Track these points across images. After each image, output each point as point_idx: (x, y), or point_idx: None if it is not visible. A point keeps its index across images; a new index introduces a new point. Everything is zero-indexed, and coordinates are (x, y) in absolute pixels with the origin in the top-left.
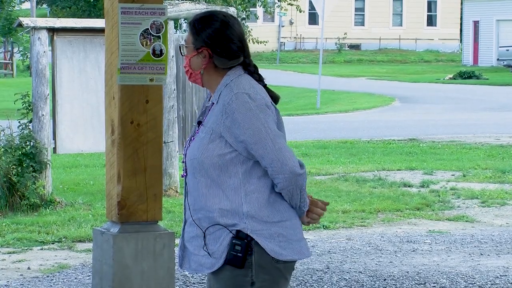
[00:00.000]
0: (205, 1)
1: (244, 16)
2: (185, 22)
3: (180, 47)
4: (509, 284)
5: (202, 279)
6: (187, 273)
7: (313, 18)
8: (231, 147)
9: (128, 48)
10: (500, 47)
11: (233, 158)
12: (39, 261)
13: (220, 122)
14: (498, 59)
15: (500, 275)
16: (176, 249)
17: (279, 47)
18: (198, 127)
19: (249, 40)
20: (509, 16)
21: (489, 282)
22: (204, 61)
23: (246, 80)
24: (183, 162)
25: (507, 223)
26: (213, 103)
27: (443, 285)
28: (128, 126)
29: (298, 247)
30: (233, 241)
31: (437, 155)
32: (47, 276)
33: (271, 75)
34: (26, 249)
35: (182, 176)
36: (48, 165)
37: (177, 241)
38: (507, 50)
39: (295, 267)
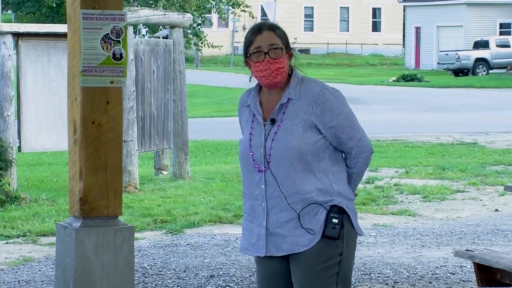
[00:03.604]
0: (163, 8)
1: (199, 22)
2: (144, 27)
3: (265, 52)
4: (448, 274)
5: (161, 271)
6: (145, 265)
7: None
8: (321, 134)
9: (90, 52)
10: (440, 51)
11: (322, 144)
12: (4, 254)
13: (311, 112)
14: (438, 63)
15: (440, 266)
16: (137, 243)
17: (233, 51)
18: (273, 124)
19: (204, 45)
20: (448, 23)
21: (430, 272)
22: (289, 63)
23: (309, 77)
24: (254, 159)
25: (446, 217)
26: (289, 99)
27: (387, 275)
28: (90, 126)
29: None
30: (331, 215)
31: (382, 153)
32: (12, 269)
33: (226, 78)
34: None
35: (258, 171)
36: (13, 163)
37: (141, 234)
38: (447, 54)
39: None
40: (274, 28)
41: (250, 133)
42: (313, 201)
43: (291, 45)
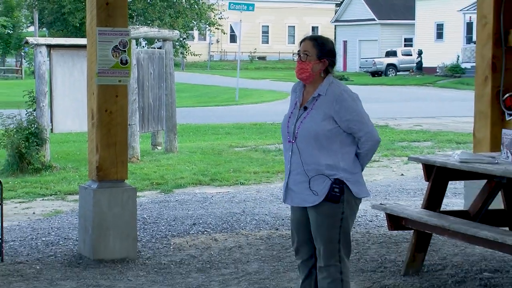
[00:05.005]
0: (157, 26)
1: (184, 37)
2: (143, 40)
3: (299, 55)
4: (367, 221)
5: (156, 220)
6: (145, 215)
7: (233, 38)
8: (336, 124)
9: (103, 59)
10: (361, 58)
11: (336, 131)
12: (41, 208)
13: (331, 107)
14: (360, 67)
15: (361, 215)
16: (138, 200)
17: (209, 58)
18: (305, 110)
19: (188, 53)
20: (367, 38)
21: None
22: (322, 67)
23: (340, 82)
24: (288, 132)
25: (366, 180)
26: (319, 95)
27: None
28: (104, 113)
29: (365, 189)
30: (333, 185)
31: None
32: (46, 219)
33: (204, 78)
34: (32, 200)
35: (289, 141)
36: (47, 141)
37: (141, 193)
38: (366, 61)
39: None
40: (313, 40)
41: (291, 112)
42: (322, 173)
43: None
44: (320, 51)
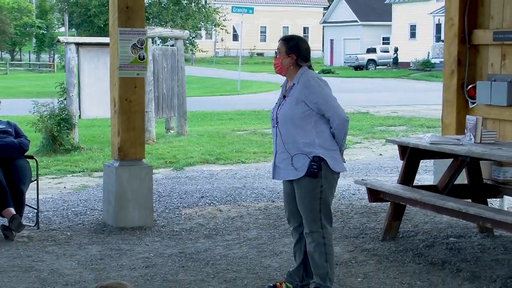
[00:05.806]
0: (170, 27)
1: (193, 35)
2: (158, 39)
3: (276, 52)
4: (351, 195)
5: (169, 194)
6: (160, 190)
7: (235, 37)
8: (308, 107)
9: (124, 55)
10: (345, 54)
11: (309, 113)
12: (71, 183)
13: (302, 93)
14: (344, 62)
15: (346, 189)
16: (154, 176)
17: (215, 54)
18: (284, 99)
19: (196, 50)
20: (351, 37)
21: (339, 194)
22: (291, 61)
23: (312, 71)
24: (272, 119)
25: (349, 159)
26: (294, 84)
27: None
28: (124, 102)
29: (342, 165)
30: (312, 163)
31: None
32: (75, 192)
33: (210, 72)
34: (63, 176)
35: (274, 126)
36: (76, 126)
37: (156, 170)
38: (350, 56)
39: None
40: (285, 40)
41: (276, 102)
42: (300, 151)
43: (291, 51)
44: (287, 48)
